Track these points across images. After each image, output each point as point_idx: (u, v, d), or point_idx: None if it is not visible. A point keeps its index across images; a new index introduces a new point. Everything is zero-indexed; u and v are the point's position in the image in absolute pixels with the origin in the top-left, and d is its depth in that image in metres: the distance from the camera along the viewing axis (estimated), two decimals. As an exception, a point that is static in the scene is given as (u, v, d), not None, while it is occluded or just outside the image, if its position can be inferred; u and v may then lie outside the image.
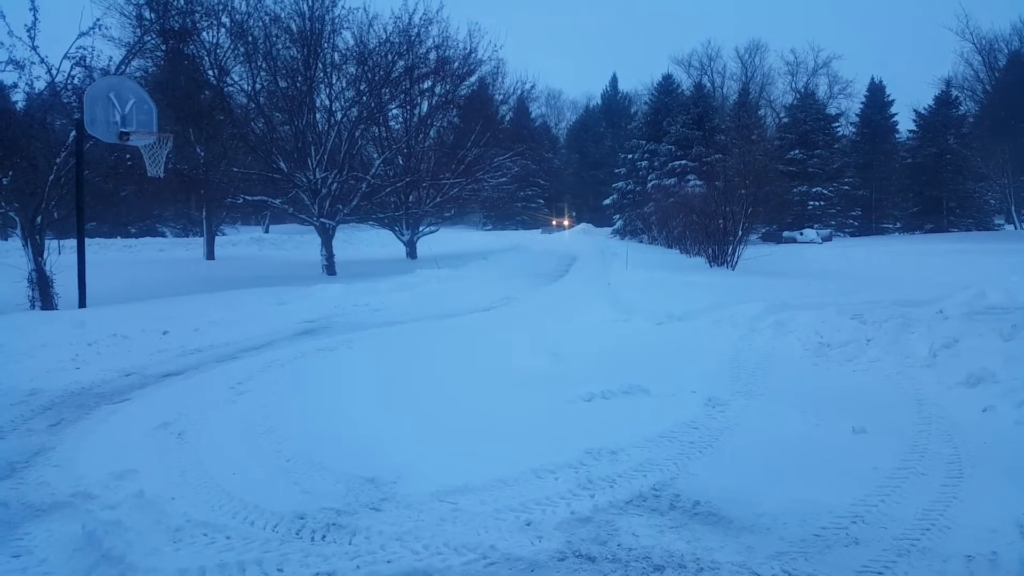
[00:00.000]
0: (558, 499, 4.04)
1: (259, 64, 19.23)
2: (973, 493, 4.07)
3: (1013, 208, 45.62)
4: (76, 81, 12.24)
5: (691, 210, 23.00)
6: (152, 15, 17.54)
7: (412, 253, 27.17)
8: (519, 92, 30.18)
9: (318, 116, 20.42)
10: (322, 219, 19.89)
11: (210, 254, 27.17)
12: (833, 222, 47.20)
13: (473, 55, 24.12)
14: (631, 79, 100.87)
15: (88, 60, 12.19)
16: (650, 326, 9.54)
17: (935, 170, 46.26)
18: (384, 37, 21.08)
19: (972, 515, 3.77)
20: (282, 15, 19.35)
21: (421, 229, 28.12)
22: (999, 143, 39.76)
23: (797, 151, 45.77)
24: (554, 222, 64.43)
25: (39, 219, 11.94)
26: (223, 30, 19.55)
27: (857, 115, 55.11)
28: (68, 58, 11.98)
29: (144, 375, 7.48)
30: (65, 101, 12.45)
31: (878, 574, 3.23)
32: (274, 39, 19.26)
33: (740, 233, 19.56)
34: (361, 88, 20.53)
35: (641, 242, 39.13)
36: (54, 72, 11.95)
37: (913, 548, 3.43)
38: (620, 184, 49.29)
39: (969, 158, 44.07)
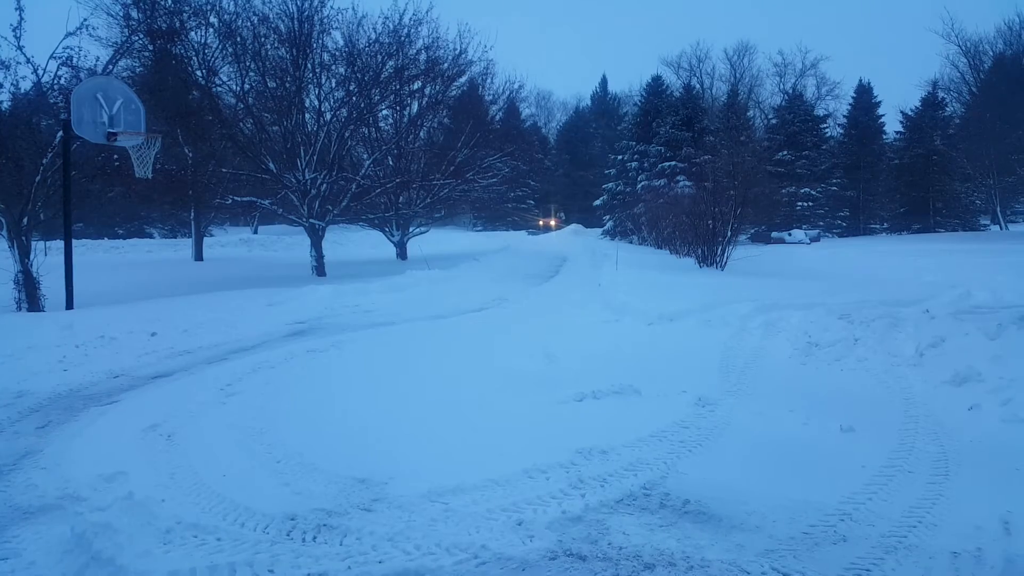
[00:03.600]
0: (549, 499, 4.06)
1: (247, 64, 19.14)
2: (959, 491, 4.12)
3: (998, 208, 46.07)
4: (63, 81, 12.16)
5: (680, 211, 23.10)
6: (140, 15, 17.41)
7: (402, 254, 27.12)
8: (509, 93, 29.99)
9: (307, 116, 20.33)
10: (312, 220, 19.83)
11: (198, 255, 27.02)
12: (821, 223, 47.48)
13: (463, 56, 24.06)
14: (621, 80, 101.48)
15: (75, 60, 12.11)
16: (640, 326, 9.57)
17: (922, 171, 46.61)
18: (374, 38, 21.03)
19: (958, 512, 3.81)
20: (270, 15, 19.27)
21: (411, 230, 28.06)
22: (984, 144, 40.14)
23: (785, 152, 46.03)
24: (540, 222, 62.01)
25: (25, 220, 11.85)
26: (211, 30, 19.46)
27: (845, 116, 55.44)
28: (55, 58, 11.91)
29: (133, 377, 7.45)
30: (52, 101, 12.36)
31: (866, 571, 3.27)
32: (262, 39, 19.16)
33: (729, 234, 19.64)
34: (351, 89, 20.47)
35: (631, 243, 39.23)
36: (40, 72, 11.88)
37: (900, 545, 3.47)
38: (610, 185, 49.41)
39: (955, 159, 44.46)
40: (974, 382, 5.85)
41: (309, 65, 19.71)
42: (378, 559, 3.40)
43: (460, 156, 24.88)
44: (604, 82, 76.15)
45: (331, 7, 19.62)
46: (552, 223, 61.84)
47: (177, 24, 17.69)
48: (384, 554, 3.44)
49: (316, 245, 20.18)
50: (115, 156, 13.47)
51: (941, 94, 49.59)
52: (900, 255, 23.03)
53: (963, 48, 49.21)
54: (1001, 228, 45.90)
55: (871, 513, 3.83)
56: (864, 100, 53.48)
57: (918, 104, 48.99)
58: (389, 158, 25.04)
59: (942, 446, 4.85)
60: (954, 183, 46.61)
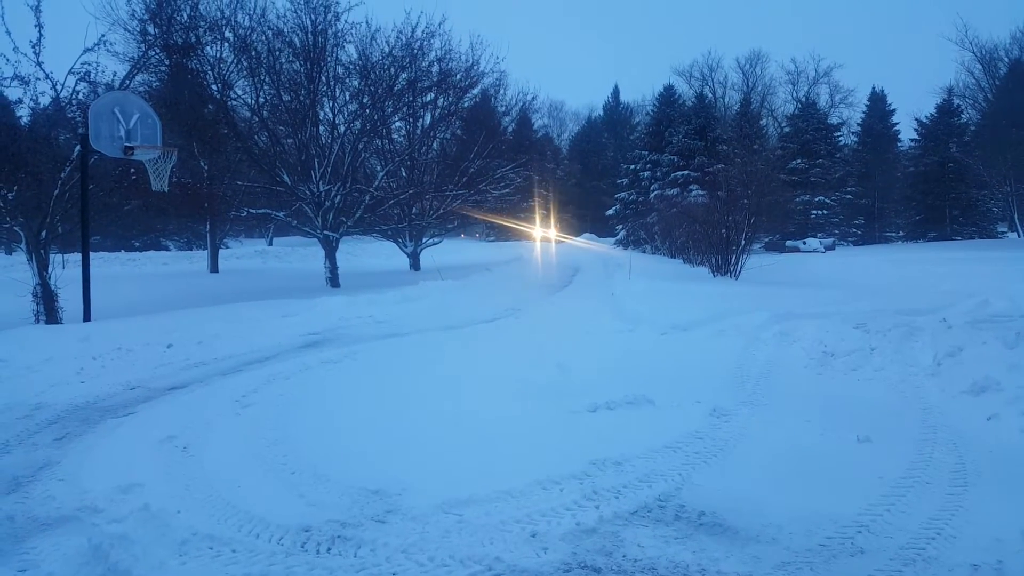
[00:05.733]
0: (563, 510, 4.04)
1: (262, 78, 19.34)
2: (978, 502, 4.06)
3: (1016, 216, 45.53)
4: (81, 96, 12.32)
5: (694, 220, 23.01)
6: (156, 30, 17.67)
7: (415, 265, 27.21)
8: (521, 103, 30.20)
9: (321, 129, 20.48)
10: (326, 231, 19.94)
11: (214, 267, 27.24)
12: (836, 231, 47.20)
13: (475, 67, 24.19)
14: (633, 90, 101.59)
15: (93, 75, 12.27)
16: (654, 336, 9.54)
17: (937, 178, 46.23)
18: (387, 50, 21.20)
19: (978, 524, 3.76)
20: (285, 29, 19.47)
21: (424, 241, 28.17)
22: (1001, 151, 39.73)
23: (799, 160, 45.83)
24: (536, 235, 46.71)
25: (44, 233, 11.98)
26: (226, 45, 19.66)
27: (859, 124, 55.20)
28: (73, 73, 12.07)
29: (149, 388, 7.50)
30: (70, 116, 12.51)
31: (884, 584, 3.23)
32: (277, 53, 19.36)
33: (743, 243, 19.54)
34: (364, 101, 20.62)
35: (644, 252, 39.12)
36: (59, 87, 12.04)
37: (919, 558, 3.43)
38: (623, 194, 49.35)
39: (971, 166, 44.01)
40: (993, 392, 5.78)
41: (323, 78, 19.88)
42: (392, 571, 3.39)
43: (473, 167, 24.98)
44: (616, 92, 76.24)
45: (345, 21, 19.81)
46: (552, 232, 48.34)
47: (193, 39, 17.90)
48: (398, 566, 3.44)
49: (330, 256, 20.29)
50: (132, 170, 13.63)
51: (956, 101, 49.21)
52: (916, 263, 22.83)
53: (978, 55, 48.90)
54: (1019, 235, 45.33)
55: (889, 525, 3.78)
56: (878, 108, 53.24)
57: (933, 111, 48.66)
58: (402, 169, 25.21)
59: (961, 457, 4.79)
60: (970, 190, 46.15)
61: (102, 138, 11.07)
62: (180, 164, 16.09)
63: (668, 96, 50.59)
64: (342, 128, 20.50)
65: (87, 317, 11.29)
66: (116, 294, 15.56)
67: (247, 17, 19.24)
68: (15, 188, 11.63)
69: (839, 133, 51.98)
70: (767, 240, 38.96)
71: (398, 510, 4.10)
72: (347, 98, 21.00)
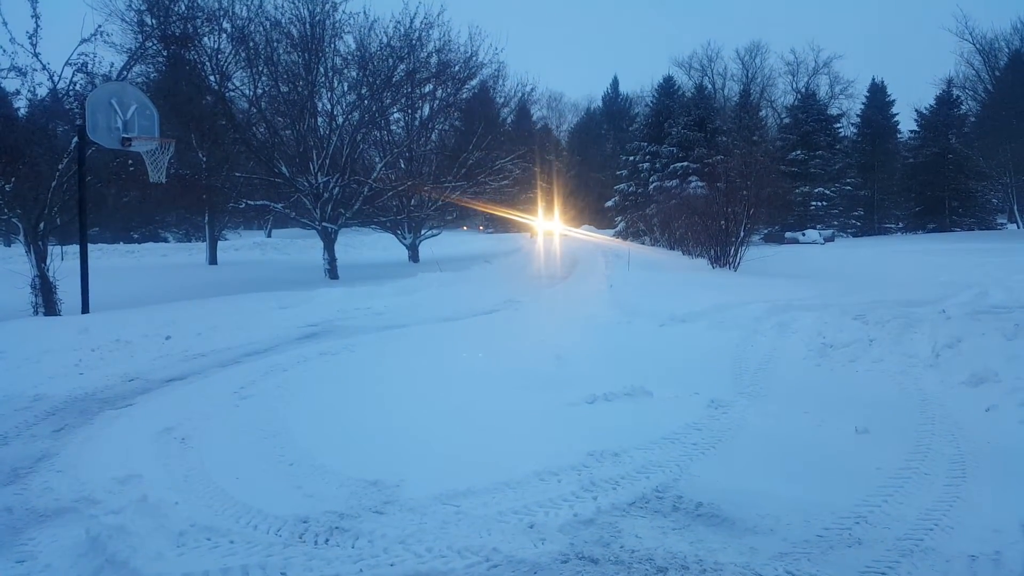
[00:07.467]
0: (561, 501, 4.04)
1: (260, 69, 19.29)
2: (976, 493, 4.06)
3: (1015, 207, 45.56)
4: (78, 87, 12.31)
5: (693, 211, 22.93)
6: (153, 21, 17.64)
7: (414, 256, 27.20)
8: (520, 95, 30.13)
9: (319, 120, 20.45)
10: (324, 223, 19.92)
11: (212, 259, 27.22)
12: (835, 222, 47.17)
13: (474, 58, 24.14)
14: (632, 81, 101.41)
15: (90, 66, 12.27)
16: (652, 328, 9.52)
17: (937, 170, 46.22)
18: (385, 41, 21.14)
19: (975, 515, 3.76)
20: (283, 20, 19.44)
21: (423, 233, 28.13)
22: (1001, 142, 39.72)
23: (799, 152, 45.78)
24: (535, 225, 38.00)
25: (42, 225, 11.96)
26: (224, 35, 19.67)
27: (858, 115, 55.11)
28: (70, 64, 12.06)
29: (147, 380, 7.49)
30: (67, 107, 12.49)
31: (881, 574, 3.23)
32: (275, 44, 19.33)
33: (742, 234, 19.48)
34: (362, 92, 20.57)
35: (643, 244, 39.08)
36: (56, 78, 12.03)
37: (916, 548, 3.43)
38: (622, 186, 49.19)
39: (971, 157, 44.01)
40: (991, 383, 5.79)
41: (321, 69, 19.84)
42: (390, 562, 3.39)
43: (471, 158, 24.94)
44: (615, 83, 76.02)
45: (343, 11, 19.76)
46: (550, 227, 38.61)
47: (190, 30, 17.84)
48: (396, 557, 3.44)
49: (328, 248, 20.27)
50: (130, 161, 13.60)
51: (956, 92, 49.18)
52: (915, 255, 22.84)
53: (978, 46, 48.82)
54: (1018, 227, 45.41)
55: (887, 516, 3.78)
56: (878, 99, 53.14)
57: (933, 102, 48.66)
58: (401, 161, 25.17)
59: (959, 448, 4.80)
60: (970, 182, 46.14)
61: (99, 129, 11.03)
62: (178, 156, 16.05)
63: (667, 87, 50.38)
64: (340, 119, 20.46)
65: (85, 309, 11.28)
66: (115, 286, 15.55)
67: (245, 7, 19.24)
68: (13, 180, 11.61)
69: (839, 124, 51.89)
70: (766, 232, 38.87)
71: (396, 501, 4.10)
72: (345, 89, 20.98)
